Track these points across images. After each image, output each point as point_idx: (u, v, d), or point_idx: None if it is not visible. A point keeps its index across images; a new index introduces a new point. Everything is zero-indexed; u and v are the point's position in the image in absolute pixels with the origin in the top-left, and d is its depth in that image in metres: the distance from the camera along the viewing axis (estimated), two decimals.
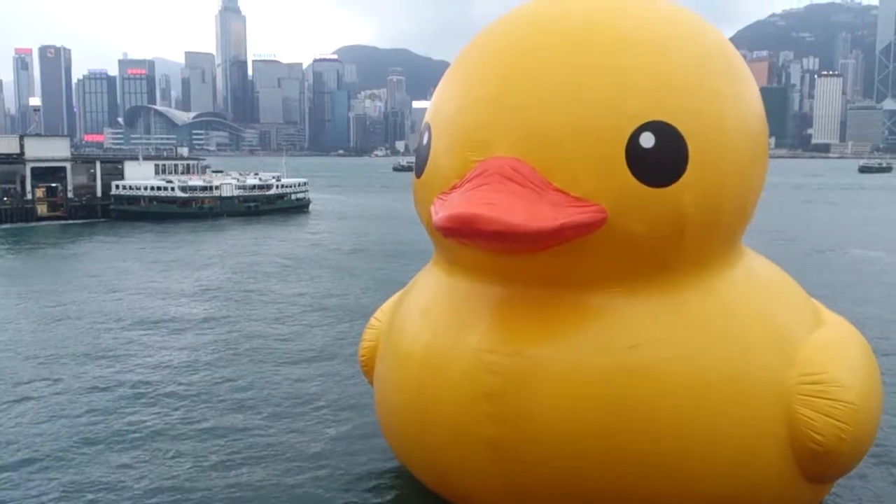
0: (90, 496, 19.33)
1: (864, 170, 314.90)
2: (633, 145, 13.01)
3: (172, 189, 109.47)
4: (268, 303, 45.77)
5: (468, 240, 12.75)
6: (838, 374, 14.16)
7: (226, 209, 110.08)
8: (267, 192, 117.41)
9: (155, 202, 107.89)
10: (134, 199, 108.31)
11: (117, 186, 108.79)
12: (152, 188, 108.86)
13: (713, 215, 13.93)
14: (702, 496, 14.13)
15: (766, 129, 15.64)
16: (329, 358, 32.44)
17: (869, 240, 78.38)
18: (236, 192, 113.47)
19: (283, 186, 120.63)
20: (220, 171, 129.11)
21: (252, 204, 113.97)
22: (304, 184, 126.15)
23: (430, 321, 15.82)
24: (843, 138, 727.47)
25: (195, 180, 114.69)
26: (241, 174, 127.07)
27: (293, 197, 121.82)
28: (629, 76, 13.42)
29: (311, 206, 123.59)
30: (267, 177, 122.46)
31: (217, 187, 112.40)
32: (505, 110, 13.68)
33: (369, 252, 69.70)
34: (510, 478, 14.55)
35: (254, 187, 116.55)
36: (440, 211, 12.86)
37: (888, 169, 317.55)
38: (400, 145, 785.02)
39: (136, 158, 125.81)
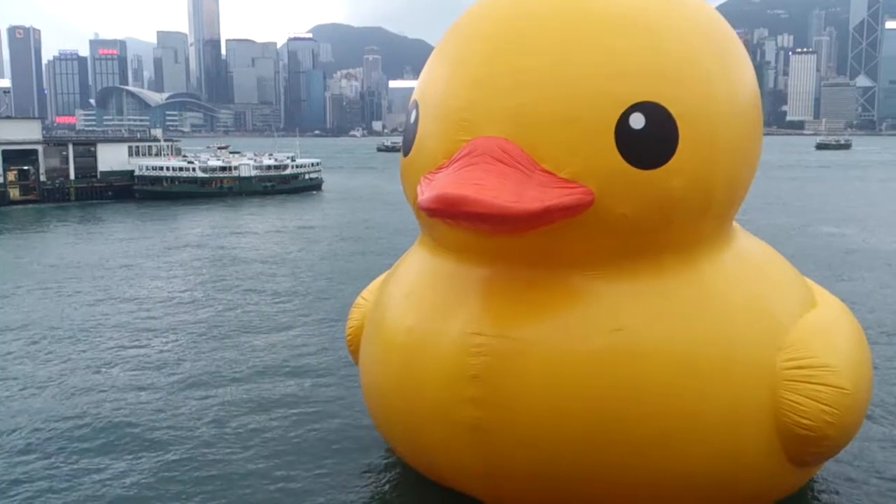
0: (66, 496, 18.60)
1: (821, 146, 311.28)
2: (622, 126, 12.74)
3: (193, 170, 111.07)
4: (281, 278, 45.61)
5: (453, 220, 12.48)
6: (827, 358, 13.99)
7: (244, 189, 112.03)
8: (282, 172, 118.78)
9: (177, 182, 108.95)
10: (157, 180, 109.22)
11: (140, 168, 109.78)
12: (174, 169, 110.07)
13: (703, 198, 13.71)
14: (684, 479, 14.06)
15: (760, 109, 15.32)
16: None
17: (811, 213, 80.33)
18: (254, 173, 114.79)
19: (297, 167, 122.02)
20: (238, 152, 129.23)
21: (268, 184, 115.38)
22: (317, 164, 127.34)
23: (414, 302, 15.60)
24: (817, 115, 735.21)
25: (214, 161, 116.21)
26: (256, 154, 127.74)
27: (307, 177, 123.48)
28: (619, 57, 13.12)
29: (323, 186, 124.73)
30: (282, 157, 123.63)
31: (235, 168, 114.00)
32: (493, 90, 13.41)
33: (385, 231, 69.49)
34: (492, 460, 14.42)
35: (269, 167, 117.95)
36: (426, 191, 12.52)
37: (847, 146, 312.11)
38: (377, 125, 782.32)
39: (111, 140, 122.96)
